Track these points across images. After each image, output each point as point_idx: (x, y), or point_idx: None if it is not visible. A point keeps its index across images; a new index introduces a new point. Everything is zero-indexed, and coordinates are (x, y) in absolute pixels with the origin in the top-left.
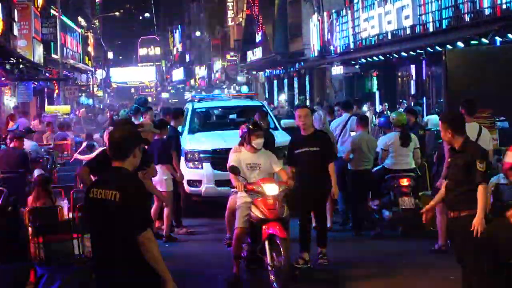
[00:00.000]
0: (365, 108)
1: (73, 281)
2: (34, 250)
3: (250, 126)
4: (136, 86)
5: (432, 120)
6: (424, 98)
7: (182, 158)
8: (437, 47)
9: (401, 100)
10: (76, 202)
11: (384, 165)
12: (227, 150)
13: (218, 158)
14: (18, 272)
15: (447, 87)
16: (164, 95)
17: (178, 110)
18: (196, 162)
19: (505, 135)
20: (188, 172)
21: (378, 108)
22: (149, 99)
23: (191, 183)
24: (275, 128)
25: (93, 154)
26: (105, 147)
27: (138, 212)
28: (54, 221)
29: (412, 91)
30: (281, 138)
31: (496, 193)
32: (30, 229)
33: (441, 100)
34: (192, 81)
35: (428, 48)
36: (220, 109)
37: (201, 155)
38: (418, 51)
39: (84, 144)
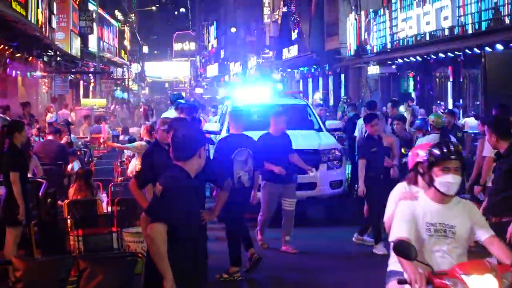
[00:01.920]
0: (402, 108)
1: (116, 275)
2: (73, 243)
3: (439, 149)
4: (170, 81)
5: (469, 122)
6: (461, 100)
7: None
8: (475, 49)
9: (439, 102)
10: (114, 196)
11: None
12: None
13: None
14: (60, 264)
15: (486, 90)
16: (198, 90)
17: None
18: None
19: None
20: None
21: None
22: (183, 94)
23: None
24: (320, 129)
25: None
26: (142, 141)
27: (155, 204)
28: (94, 214)
29: (449, 93)
30: (326, 140)
31: None
32: (69, 221)
33: (478, 103)
34: (226, 78)
35: (466, 50)
36: (262, 108)
37: None
38: (456, 52)
39: (121, 137)
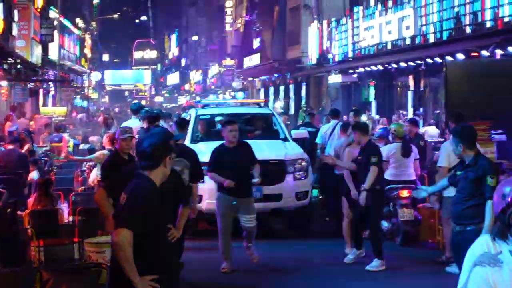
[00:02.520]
0: (364, 117)
1: (80, 286)
2: (34, 254)
3: None
4: (130, 89)
5: (429, 131)
6: (422, 109)
7: None
8: (436, 59)
9: (400, 111)
10: (75, 206)
11: (385, 177)
12: None
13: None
14: (23, 275)
15: (447, 99)
16: (158, 99)
17: (184, 119)
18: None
19: (502, 148)
20: None
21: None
22: (143, 102)
23: None
24: (285, 139)
25: (92, 157)
26: (104, 150)
27: (121, 211)
28: (55, 225)
29: (410, 102)
30: (293, 150)
31: None
32: (30, 231)
33: (438, 112)
34: (187, 86)
35: (428, 59)
36: (226, 117)
37: (203, 167)
38: (417, 61)
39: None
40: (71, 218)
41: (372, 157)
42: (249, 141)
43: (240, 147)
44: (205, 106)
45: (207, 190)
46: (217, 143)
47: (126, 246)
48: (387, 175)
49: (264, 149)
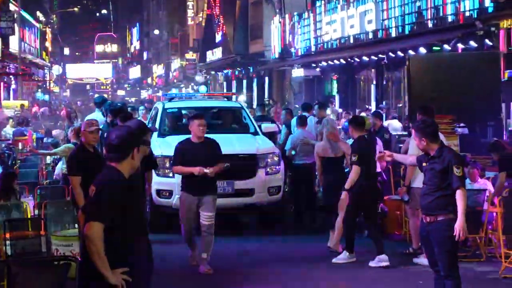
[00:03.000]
0: (328, 111)
1: (49, 279)
2: (0, 247)
3: None
4: (92, 83)
5: (393, 124)
6: (384, 102)
7: None
8: (399, 53)
9: (366, 106)
10: (41, 199)
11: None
12: None
13: None
14: None
15: (410, 93)
16: (120, 92)
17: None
18: (166, 170)
19: (465, 141)
20: (157, 181)
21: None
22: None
23: (160, 193)
24: (256, 133)
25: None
26: (69, 143)
27: (90, 204)
28: (21, 218)
29: (372, 95)
30: (264, 145)
31: None
32: None
33: (400, 105)
34: (149, 80)
35: (390, 53)
36: (194, 110)
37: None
38: (379, 55)
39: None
40: (36, 212)
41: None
42: (218, 136)
43: (206, 143)
44: (171, 99)
45: (177, 185)
46: (185, 137)
47: (97, 239)
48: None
49: (234, 144)
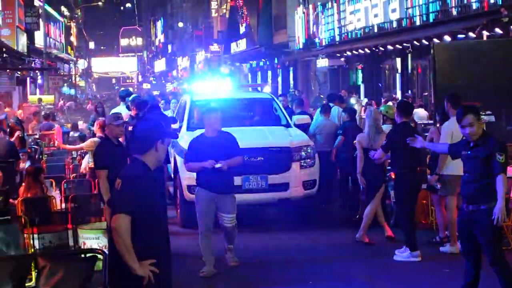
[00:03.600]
0: (353, 100)
1: (76, 272)
2: (28, 241)
3: None
4: (117, 77)
5: (418, 113)
6: (410, 92)
7: (181, 160)
8: (423, 41)
9: (393, 95)
10: (67, 193)
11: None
12: None
13: None
14: (19, 262)
15: (435, 81)
16: (146, 86)
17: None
18: None
19: (491, 128)
20: (188, 176)
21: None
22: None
23: (192, 189)
24: (288, 125)
25: (83, 145)
26: (95, 137)
27: (117, 197)
28: (48, 212)
29: (398, 84)
30: (298, 137)
31: None
32: (23, 219)
33: (426, 94)
34: (174, 72)
35: (415, 42)
36: (224, 102)
37: None
38: (404, 44)
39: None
40: (63, 206)
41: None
42: (249, 128)
43: (222, 137)
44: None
45: None
46: None
47: (124, 232)
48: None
49: (267, 136)
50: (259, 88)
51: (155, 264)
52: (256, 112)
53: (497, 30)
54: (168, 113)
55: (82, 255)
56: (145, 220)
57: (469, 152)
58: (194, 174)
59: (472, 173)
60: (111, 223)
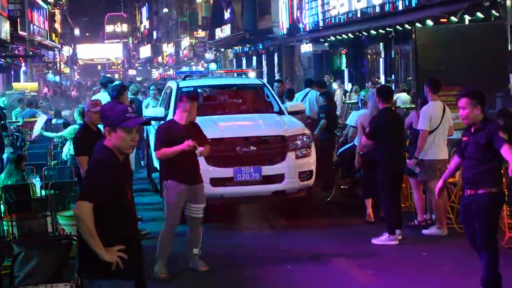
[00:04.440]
0: (335, 85)
1: (51, 258)
2: (7, 228)
3: None
4: (103, 63)
5: (401, 97)
6: (393, 76)
7: None
8: (406, 26)
9: (376, 79)
10: (48, 180)
11: (354, 143)
12: (225, 141)
13: (213, 150)
14: None
15: (417, 65)
16: (131, 72)
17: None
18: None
19: None
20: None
21: (348, 86)
22: (116, 76)
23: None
24: (281, 112)
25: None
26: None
27: (82, 183)
28: (27, 199)
29: (381, 69)
30: (292, 125)
31: None
32: (2, 206)
33: (410, 78)
34: (159, 58)
35: (397, 27)
36: (211, 89)
37: None
38: (387, 29)
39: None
40: (43, 193)
41: None
42: (240, 116)
43: (191, 125)
44: (186, 77)
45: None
46: (203, 118)
47: (86, 219)
48: (357, 141)
49: (260, 125)
50: (250, 73)
51: (125, 250)
52: (247, 99)
53: (479, 14)
54: (148, 101)
55: (58, 242)
56: (111, 207)
57: (470, 138)
58: None
59: (472, 158)
60: (74, 210)
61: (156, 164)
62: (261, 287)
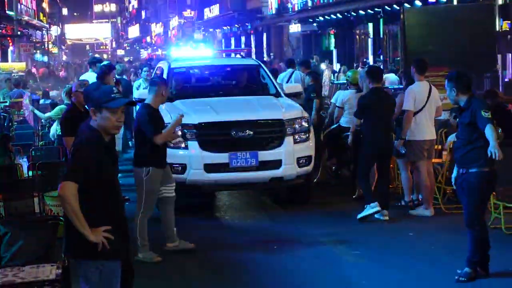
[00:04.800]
0: (323, 66)
1: (38, 239)
2: None
3: None
4: (91, 43)
5: (389, 78)
6: (382, 56)
7: None
8: (394, 6)
9: (364, 60)
10: (35, 160)
11: (340, 123)
12: (219, 125)
13: (207, 135)
14: None
15: (405, 46)
16: (120, 52)
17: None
18: (178, 141)
19: None
20: (168, 153)
21: (336, 66)
22: (104, 56)
23: (172, 168)
24: (278, 95)
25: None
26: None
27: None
28: (14, 179)
29: (370, 50)
30: (290, 108)
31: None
32: None
33: (398, 59)
34: (148, 38)
35: (386, 7)
36: (205, 70)
37: (185, 131)
38: (375, 9)
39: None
40: (30, 173)
41: None
42: (235, 99)
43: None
44: (178, 57)
45: (192, 158)
46: (195, 101)
47: (71, 199)
48: (343, 122)
49: (256, 108)
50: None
51: (111, 231)
52: (241, 80)
53: None
54: (139, 82)
55: (44, 222)
56: (97, 187)
57: (459, 118)
58: (175, 151)
59: (460, 138)
60: (58, 191)
61: None
62: (248, 269)
